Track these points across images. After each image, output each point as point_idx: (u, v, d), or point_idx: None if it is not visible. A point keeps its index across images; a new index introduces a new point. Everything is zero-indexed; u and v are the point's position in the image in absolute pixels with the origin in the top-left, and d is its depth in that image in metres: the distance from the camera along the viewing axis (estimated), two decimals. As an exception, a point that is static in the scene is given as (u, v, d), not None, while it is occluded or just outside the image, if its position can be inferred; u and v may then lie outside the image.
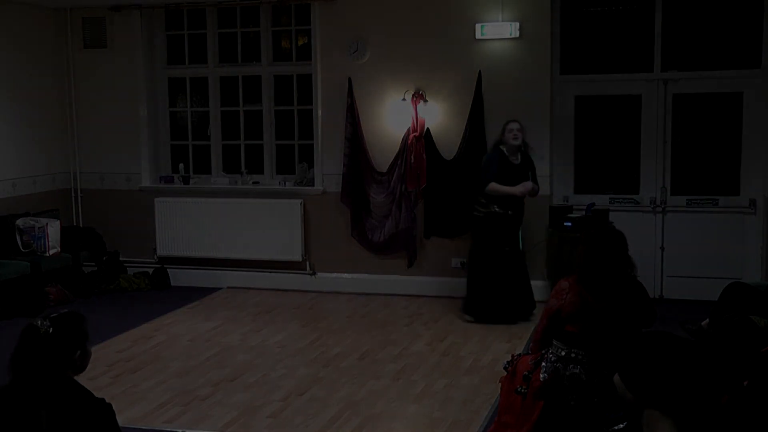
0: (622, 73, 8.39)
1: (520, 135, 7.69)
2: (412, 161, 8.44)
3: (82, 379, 3.23)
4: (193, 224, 9.22)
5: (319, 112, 8.87)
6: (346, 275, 8.95)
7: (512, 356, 4.87)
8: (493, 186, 7.65)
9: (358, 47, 8.64)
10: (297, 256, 8.99)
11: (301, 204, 8.92)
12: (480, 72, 8.35)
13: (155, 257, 9.41)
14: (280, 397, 5.93)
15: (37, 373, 3.05)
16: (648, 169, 8.38)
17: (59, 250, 8.74)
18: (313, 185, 9.01)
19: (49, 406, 3.02)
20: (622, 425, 4.16)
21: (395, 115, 8.57)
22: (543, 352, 4.54)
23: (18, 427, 3.00)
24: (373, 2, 8.62)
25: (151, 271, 9.30)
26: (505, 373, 4.76)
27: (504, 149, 7.72)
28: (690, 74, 8.23)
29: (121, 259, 9.35)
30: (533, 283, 8.33)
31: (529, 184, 7.69)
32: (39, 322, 3.09)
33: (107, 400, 3.16)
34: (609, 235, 4.58)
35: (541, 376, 4.42)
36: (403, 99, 8.50)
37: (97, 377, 6.19)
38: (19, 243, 8.53)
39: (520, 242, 7.95)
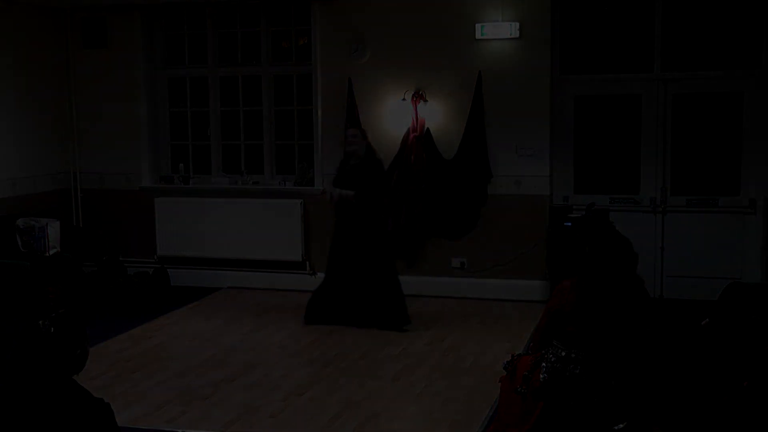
0: (622, 73, 8.40)
1: (353, 141, 7.60)
2: (412, 161, 8.45)
3: (82, 379, 3.23)
4: (193, 224, 9.22)
5: (319, 112, 8.88)
6: (346, 275, 8.94)
7: (512, 356, 4.87)
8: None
9: (358, 47, 8.64)
10: (297, 256, 8.99)
11: (301, 204, 8.92)
12: (480, 72, 8.36)
13: (155, 257, 9.41)
14: (280, 397, 5.93)
15: (38, 372, 3.05)
16: (648, 169, 8.38)
17: (59, 250, 8.73)
18: (313, 185, 9.01)
19: (49, 405, 3.02)
20: (622, 425, 4.17)
21: (395, 115, 8.57)
22: (543, 352, 4.54)
23: (18, 426, 3.00)
24: (373, 2, 8.62)
25: (151, 271, 9.30)
26: (505, 373, 4.76)
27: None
28: (690, 74, 8.23)
29: (121, 259, 9.34)
30: (532, 282, 8.36)
31: (329, 191, 7.65)
32: (39, 322, 3.09)
33: (107, 400, 3.16)
34: (617, 243, 4.57)
35: (541, 376, 4.42)
36: (403, 99, 8.50)
37: (97, 377, 6.19)
38: (19, 243, 8.52)
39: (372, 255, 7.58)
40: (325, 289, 7.76)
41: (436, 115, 8.51)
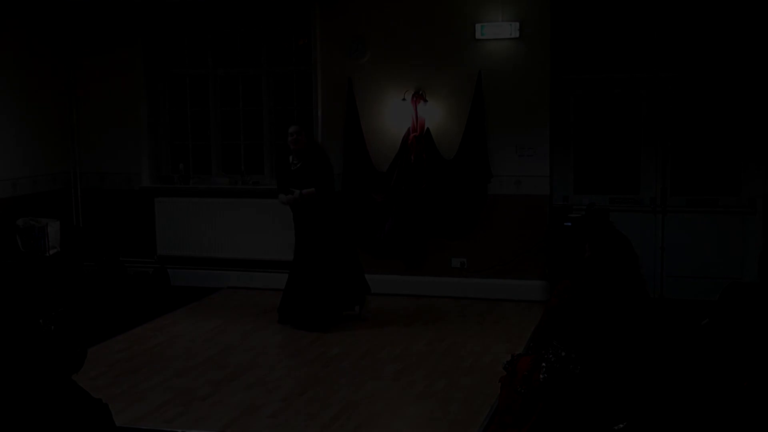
0: (623, 73, 8.39)
1: (298, 138, 7.55)
2: (412, 161, 8.45)
3: (81, 379, 3.23)
4: (193, 224, 9.22)
5: (319, 112, 8.87)
6: (346, 275, 8.94)
7: (512, 356, 4.87)
8: (279, 198, 7.76)
9: (358, 47, 8.64)
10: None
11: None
12: (480, 72, 8.36)
13: (155, 257, 9.41)
14: (280, 397, 5.93)
15: (37, 371, 3.04)
16: (648, 169, 8.38)
17: (59, 250, 8.73)
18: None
19: (47, 405, 3.01)
20: (622, 425, 4.17)
21: (395, 115, 8.57)
22: (542, 352, 4.54)
23: (16, 426, 2.99)
24: (373, 2, 8.62)
25: (151, 271, 9.30)
26: (505, 373, 4.76)
27: (291, 156, 7.70)
28: (690, 74, 8.22)
29: (121, 259, 9.35)
30: (532, 282, 8.36)
31: (285, 197, 7.61)
32: (40, 320, 3.09)
33: (107, 400, 3.16)
34: (617, 243, 4.57)
35: (541, 376, 4.42)
36: (403, 99, 8.50)
37: (97, 377, 6.19)
38: (19, 243, 8.53)
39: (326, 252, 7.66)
40: (295, 289, 7.75)
41: (436, 115, 8.51)
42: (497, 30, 8.25)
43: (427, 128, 8.49)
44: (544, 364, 4.45)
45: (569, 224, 7.92)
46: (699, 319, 6.26)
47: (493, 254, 8.52)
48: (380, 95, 8.65)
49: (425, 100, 8.46)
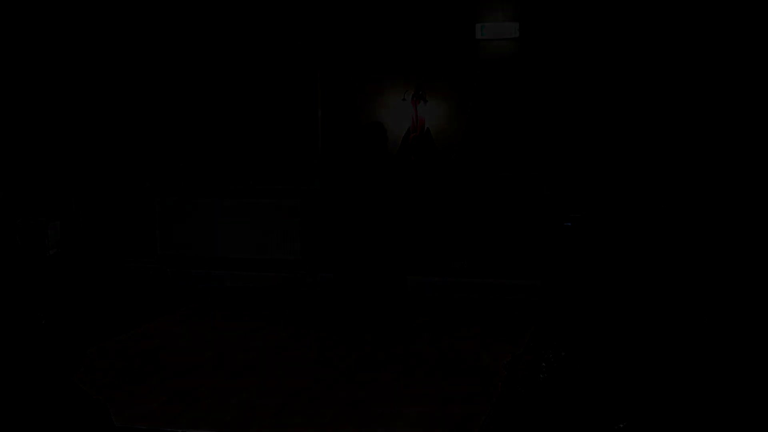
0: (621, 72, 8.38)
1: None
2: (412, 161, 8.46)
3: (81, 379, 3.23)
4: (193, 224, 9.23)
5: (319, 112, 8.88)
6: (346, 275, 8.94)
7: (512, 356, 4.88)
8: None
9: (359, 48, 8.64)
10: (296, 256, 8.99)
11: (300, 204, 8.91)
12: (480, 72, 8.36)
13: (155, 257, 9.41)
14: (280, 397, 5.93)
15: (36, 371, 3.05)
16: (647, 168, 8.37)
17: (59, 250, 8.73)
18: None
19: (46, 406, 3.02)
20: (622, 425, 4.17)
21: (395, 115, 8.58)
22: (542, 352, 4.54)
23: (15, 426, 3.00)
24: (374, 2, 8.63)
25: (151, 271, 9.30)
26: (505, 373, 4.77)
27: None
28: (690, 71, 8.22)
29: (121, 259, 9.35)
30: (532, 282, 8.36)
31: None
32: (39, 321, 3.10)
33: (107, 401, 3.16)
34: (617, 245, 4.58)
35: (541, 376, 4.42)
36: (403, 99, 8.51)
37: (97, 377, 6.18)
38: (19, 243, 8.53)
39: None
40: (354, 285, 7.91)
41: (436, 115, 8.52)
42: (497, 30, 8.25)
43: (427, 128, 8.49)
44: (544, 364, 4.45)
45: (569, 224, 7.92)
46: (699, 319, 6.26)
47: (493, 254, 8.52)
48: (380, 95, 8.65)
49: (425, 100, 8.47)
